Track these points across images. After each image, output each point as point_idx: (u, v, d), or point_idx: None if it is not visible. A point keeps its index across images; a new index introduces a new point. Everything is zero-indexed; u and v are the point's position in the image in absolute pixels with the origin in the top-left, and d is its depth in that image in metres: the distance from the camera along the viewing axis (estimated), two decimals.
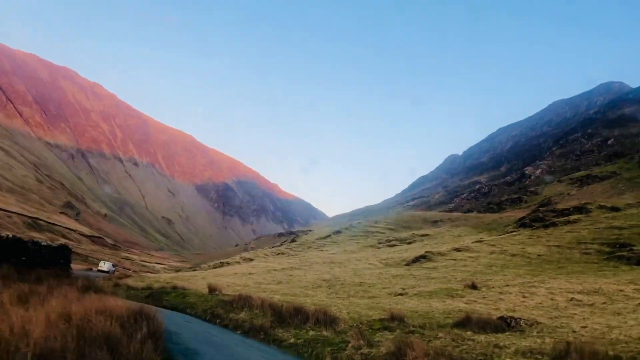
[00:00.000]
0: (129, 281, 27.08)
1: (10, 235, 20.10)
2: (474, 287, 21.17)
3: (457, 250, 35.31)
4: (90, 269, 57.45)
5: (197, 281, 33.11)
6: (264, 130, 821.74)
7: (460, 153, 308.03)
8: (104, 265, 56.28)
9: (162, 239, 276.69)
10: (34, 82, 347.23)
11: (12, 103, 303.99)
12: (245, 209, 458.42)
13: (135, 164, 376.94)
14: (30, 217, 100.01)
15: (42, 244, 21.68)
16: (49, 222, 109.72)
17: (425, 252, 36.36)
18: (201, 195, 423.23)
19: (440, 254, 35.03)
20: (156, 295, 21.24)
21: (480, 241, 37.85)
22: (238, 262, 61.99)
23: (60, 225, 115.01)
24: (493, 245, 35.19)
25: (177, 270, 69.97)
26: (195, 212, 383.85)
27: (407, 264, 34.44)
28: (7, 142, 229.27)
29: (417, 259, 35.38)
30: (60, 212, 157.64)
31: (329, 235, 78.17)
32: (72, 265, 56.73)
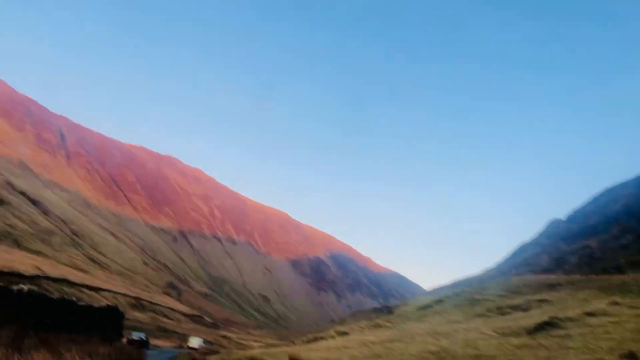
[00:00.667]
0: (212, 357, 25.23)
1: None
2: (633, 357, 17.00)
3: (591, 314, 30.33)
4: (181, 346, 57.23)
5: (280, 355, 30.53)
6: (354, 204, 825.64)
7: (562, 217, 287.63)
8: (194, 342, 55.96)
9: (260, 316, 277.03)
10: (141, 171, 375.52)
11: (122, 191, 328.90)
12: (340, 283, 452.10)
13: (234, 242, 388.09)
14: (134, 298, 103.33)
15: (93, 305, 20.61)
16: (152, 302, 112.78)
17: (550, 317, 31.60)
18: (296, 271, 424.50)
19: (569, 319, 30.20)
20: None
21: (617, 304, 32.53)
22: (332, 337, 58.51)
23: (162, 305, 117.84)
24: (636, 308, 29.92)
25: (269, 346, 67.65)
26: (290, 289, 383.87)
27: (530, 332, 29.88)
28: (117, 227, 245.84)
29: (540, 327, 30.67)
30: (163, 292, 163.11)
31: (430, 305, 72.60)
32: (164, 343, 58.18)
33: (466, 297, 71.57)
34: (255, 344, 76.39)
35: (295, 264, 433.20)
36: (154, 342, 54.23)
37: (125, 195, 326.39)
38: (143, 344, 44.58)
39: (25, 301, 20.09)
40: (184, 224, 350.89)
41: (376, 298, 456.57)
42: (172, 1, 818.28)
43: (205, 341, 61.60)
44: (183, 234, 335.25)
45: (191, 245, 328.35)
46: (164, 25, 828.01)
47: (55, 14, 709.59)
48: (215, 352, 35.48)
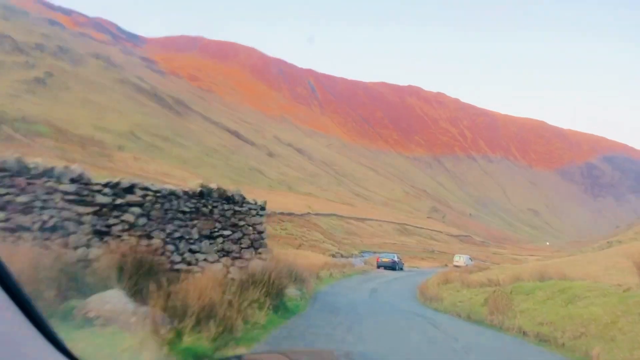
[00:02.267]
0: (474, 277, 23.13)
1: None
2: None
3: None
4: (445, 265, 53.28)
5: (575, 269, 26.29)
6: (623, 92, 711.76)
7: None
8: (459, 260, 51.22)
9: (531, 230, 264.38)
10: (387, 106, 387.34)
11: (373, 129, 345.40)
12: (619, 186, 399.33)
13: (489, 160, 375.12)
14: (399, 224, 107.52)
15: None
16: (417, 227, 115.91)
17: None
18: (564, 180, 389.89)
19: None
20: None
21: None
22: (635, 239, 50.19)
23: (427, 229, 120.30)
24: None
25: (546, 259, 62.01)
26: (561, 199, 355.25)
27: None
28: (375, 162, 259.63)
29: None
30: (427, 217, 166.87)
31: None
32: (430, 264, 54.07)
33: None
34: (531, 258, 71.92)
35: (563, 173, 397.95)
36: (420, 263, 50.52)
37: (376, 132, 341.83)
38: (391, 266, 39.69)
39: None
40: (435, 149, 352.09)
41: None
42: None
43: (472, 258, 57.29)
44: (437, 159, 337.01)
45: (447, 169, 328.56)
46: None
47: None
48: (484, 269, 33.30)
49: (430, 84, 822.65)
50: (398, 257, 42.54)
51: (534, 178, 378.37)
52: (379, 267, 39.42)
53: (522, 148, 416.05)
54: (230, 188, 11.25)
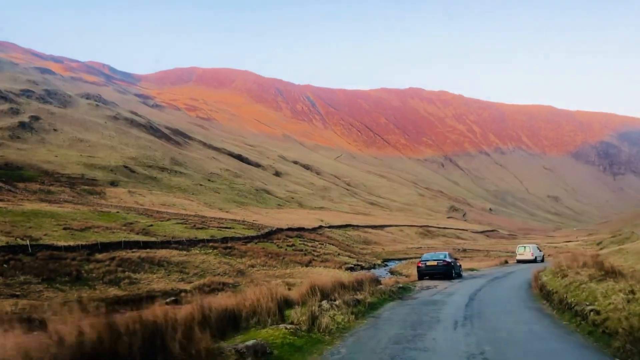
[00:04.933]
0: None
1: None
2: None
3: None
4: (506, 262, 40.40)
5: None
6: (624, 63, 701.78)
7: None
8: (525, 251, 38.76)
9: (555, 217, 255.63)
10: (390, 111, 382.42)
11: (379, 136, 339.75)
12: (638, 162, 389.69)
13: (502, 152, 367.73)
14: (420, 227, 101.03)
15: None
16: (440, 227, 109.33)
17: None
18: (580, 162, 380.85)
19: None
20: None
21: None
22: None
23: (450, 228, 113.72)
24: None
25: (599, 245, 55.19)
26: (580, 182, 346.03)
27: None
28: (385, 169, 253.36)
29: None
30: (448, 217, 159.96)
31: None
32: (470, 264, 40.20)
33: None
34: (571, 244, 65.32)
35: (578, 155, 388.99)
36: (468, 264, 37.49)
37: (382, 138, 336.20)
38: (444, 271, 24.84)
39: None
40: (445, 148, 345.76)
41: None
42: None
43: (540, 248, 42.13)
44: (448, 158, 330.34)
45: (459, 167, 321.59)
46: None
47: None
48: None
49: (431, 84, 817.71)
50: (451, 257, 27.07)
51: (550, 164, 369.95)
52: (421, 276, 25.00)
53: (533, 135, 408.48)
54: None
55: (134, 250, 22.68)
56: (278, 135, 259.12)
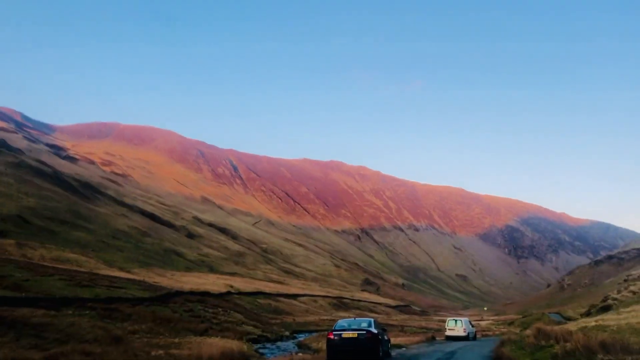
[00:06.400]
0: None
1: None
2: None
3: None
4: (433, 338, 36.40)
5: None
6: (532, 160, 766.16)
7: None
8: (457, 326, 34.44)
9: (463, 296, 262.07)
10: (311, 181, 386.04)
11: (299, 204, 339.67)
12: (539, 246, 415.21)
13: (416, 229, 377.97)
14: (334, 297, 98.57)
15: None
16: (354, 300, 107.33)
17: None
18: (487, 244, 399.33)
19: None
20: None
21: None
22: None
23: (365, 301, 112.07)
24: None
25: (511, 325, 55.00)
26: (487, 263, 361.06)
27: None
28: (303, 238, 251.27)
29: None
30: (362, 290, 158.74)
31: None
32: (400, 339, 35.48)
33: None
34: (482, 323, 65.25)
35: (485, 237, 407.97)
36: (394, 339, 32.06)
37: (302, 207, 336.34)
38: (365, 346, 18.11)
39: None
40: (362, 221, 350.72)
41: (584, 253, 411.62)
42: None
43: (472, 323, 38.37)
44: (364, 231, 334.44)
45: (375, 241, 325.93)
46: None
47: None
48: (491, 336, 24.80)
49: (351, 158, 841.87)
50: (378, 326, 20.07)
51: (459, 244, 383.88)
52: (334, 356, 17.98)
53: (445, 215, 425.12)
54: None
55: None
56: (196, 197, 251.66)
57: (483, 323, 64.68)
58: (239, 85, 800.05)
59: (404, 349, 26.34)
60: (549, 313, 78.10)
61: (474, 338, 34.64)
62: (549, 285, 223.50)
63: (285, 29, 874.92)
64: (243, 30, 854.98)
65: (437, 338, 36.10)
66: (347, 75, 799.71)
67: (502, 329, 52.72)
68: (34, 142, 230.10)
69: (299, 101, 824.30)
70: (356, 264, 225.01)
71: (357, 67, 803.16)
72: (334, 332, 18.27)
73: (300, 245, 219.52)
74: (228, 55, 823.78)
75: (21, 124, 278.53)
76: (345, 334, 17.86)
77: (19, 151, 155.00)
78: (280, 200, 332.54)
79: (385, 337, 20.95)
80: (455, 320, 36.22)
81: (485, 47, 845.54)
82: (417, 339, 35.79)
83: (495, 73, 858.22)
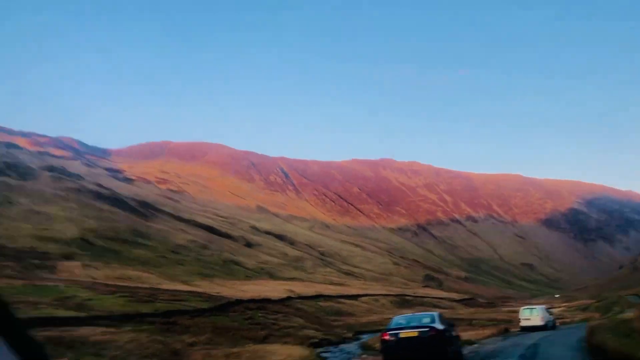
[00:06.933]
0: None
1: None
2: None
3: None
4: (507, 330, 33.31)
5: None
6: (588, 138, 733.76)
7: None
8: (532, 315, 31.07)
9: (530, 285, 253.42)
10: (363, 181, 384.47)
11: (352, 205, 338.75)
12: (606, 228, 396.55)
13: (474, 220, 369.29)
14: (396, 295, 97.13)
15: None
16: (416, 296, 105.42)
17: None
18: (551, 229, 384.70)
19: None
20: None
21: None
22: None
23: (428, 297, 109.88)
24: None
25: (585, 310, 52.34)
26: (552, 249, 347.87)
27: None
28: (359, 238, 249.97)
29: None
30: (424, 286, 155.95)
31: None
32: (469, 333, 32.67)
33: None
34: (555, 310, 62.53)
35: (548, 223, 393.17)
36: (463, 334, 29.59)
37: (356, 208, 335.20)
38: (439, 349, 15.02)
39: None
40: (418, 217, 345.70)
41: None
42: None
43: (550, 311, 35.06)
44: (421, 227, 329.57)
45: (433, 235, 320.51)
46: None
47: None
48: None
49: (401, 154, 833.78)
50: (444, 321, 16.44)
51: (521, 231, 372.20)
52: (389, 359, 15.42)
53: (503, 204, 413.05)
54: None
55: (47, 328, 18.66)
56: (251, 207, 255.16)
57: (555, 310, 61.94)
58: (281, 94, 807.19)
59: (476, 345, 24.08)
60: (626, 295, 73.90)
61: (553, 327, 31.74)
62: (621, 267, 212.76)
63: (316, 28, 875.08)
64: (280, 40, 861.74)
65: (511, 330, 33.57)
66: (388, 68, 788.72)
67: (579, 316, 49.93)
68: (91, 166, 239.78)
69: (342, 102, 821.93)
70: (416, 260, 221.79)
71: (395, 60, 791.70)
72: (389, 332, 15.32)
73: (357, 245, 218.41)
74: (268, 66, 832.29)
75: (79, 151, 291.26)
76: (404, 334, 14.78)
77: (78, 176, 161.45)
78: (333, 203, 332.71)
79: (454, 334, 17.75)
80: (531, 309, 33.43)
81: (536, 31, 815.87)
82: (488, 332, 32.98)
83: (548, 57, 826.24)
